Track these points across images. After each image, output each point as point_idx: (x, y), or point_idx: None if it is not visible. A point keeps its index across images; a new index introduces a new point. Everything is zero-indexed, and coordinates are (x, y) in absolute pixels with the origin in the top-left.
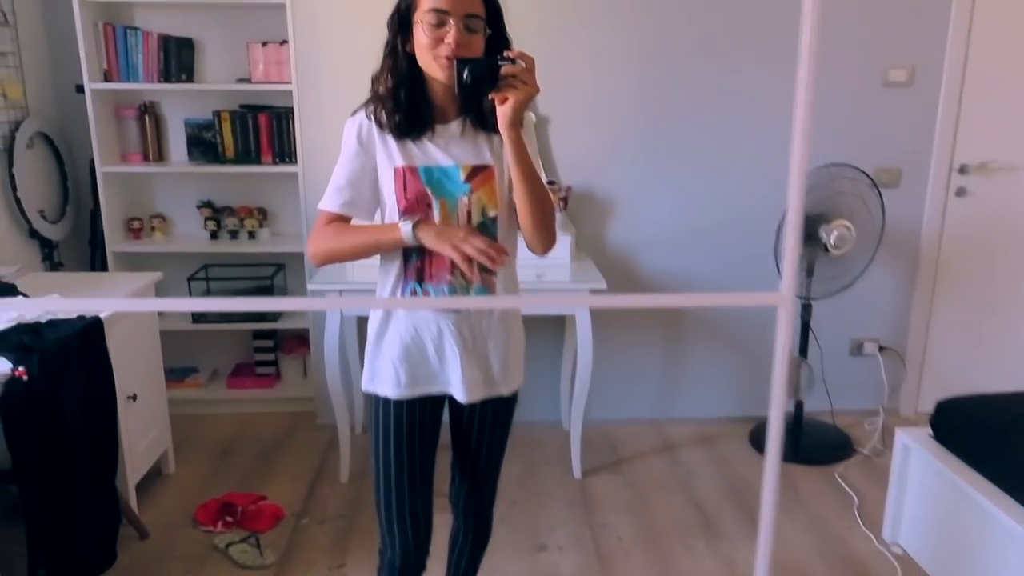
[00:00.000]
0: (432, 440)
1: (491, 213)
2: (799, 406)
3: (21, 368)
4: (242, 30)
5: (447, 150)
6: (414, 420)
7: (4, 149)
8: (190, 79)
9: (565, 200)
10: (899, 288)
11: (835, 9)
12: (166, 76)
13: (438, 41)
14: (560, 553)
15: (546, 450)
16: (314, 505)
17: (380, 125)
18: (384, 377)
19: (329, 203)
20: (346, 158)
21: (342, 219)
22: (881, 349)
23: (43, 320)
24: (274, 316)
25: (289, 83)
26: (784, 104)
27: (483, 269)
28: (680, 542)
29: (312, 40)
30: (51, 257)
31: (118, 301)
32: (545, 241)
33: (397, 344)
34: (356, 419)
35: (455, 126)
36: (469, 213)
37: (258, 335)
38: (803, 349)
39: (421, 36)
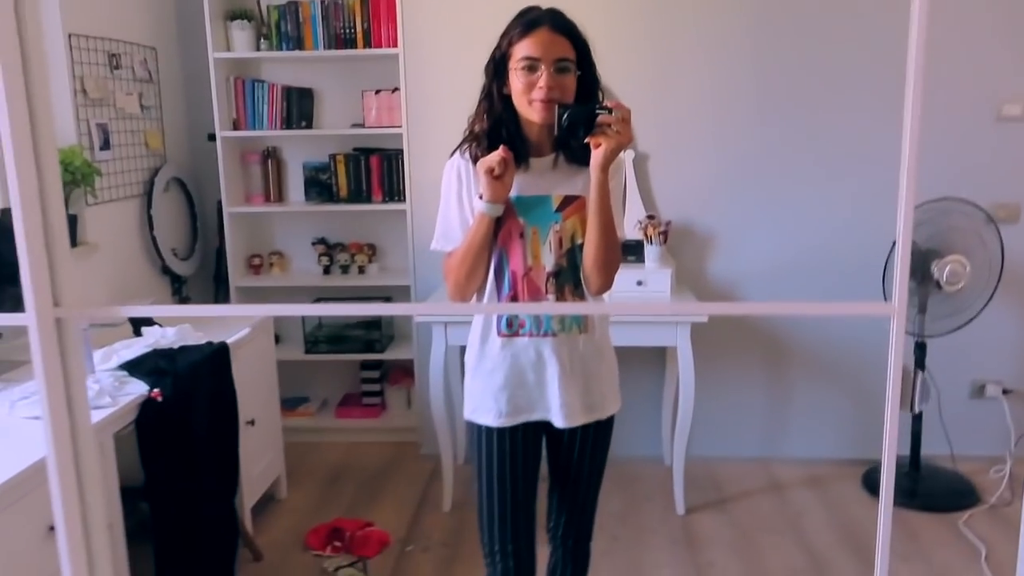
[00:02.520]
0: (533, 466)
1: (580, 240)
2: (915, 449)
3: (156, 390)
4: (357, 79)
5: (540, 181)
6: (516, 448)
7: (144, 193)
8: (309, 125)
9: (665, 234)
10: (1022, 327)
11: (945, 44)
12: (288, 123)
13: (531, 86)
14: None
15: (647, 485)
16: (418, 533)
17: (475, 162)
18: (485, 407)
19: (448, 245)
20: (451, 199)
21: None
22: (1005, 392)
23: (175, 347)
24: (381, 347)
25: (400, 127)
26: (889, 136)
27: (574, 291)
28: None
29: (421, 87)
30: (180, 291)
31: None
32: (601, 281)
33: (495, 373)
34: (459, 449)
35: (549, 160)
36: (560, 240)
37: (365, 366)
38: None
39: (516, 82)
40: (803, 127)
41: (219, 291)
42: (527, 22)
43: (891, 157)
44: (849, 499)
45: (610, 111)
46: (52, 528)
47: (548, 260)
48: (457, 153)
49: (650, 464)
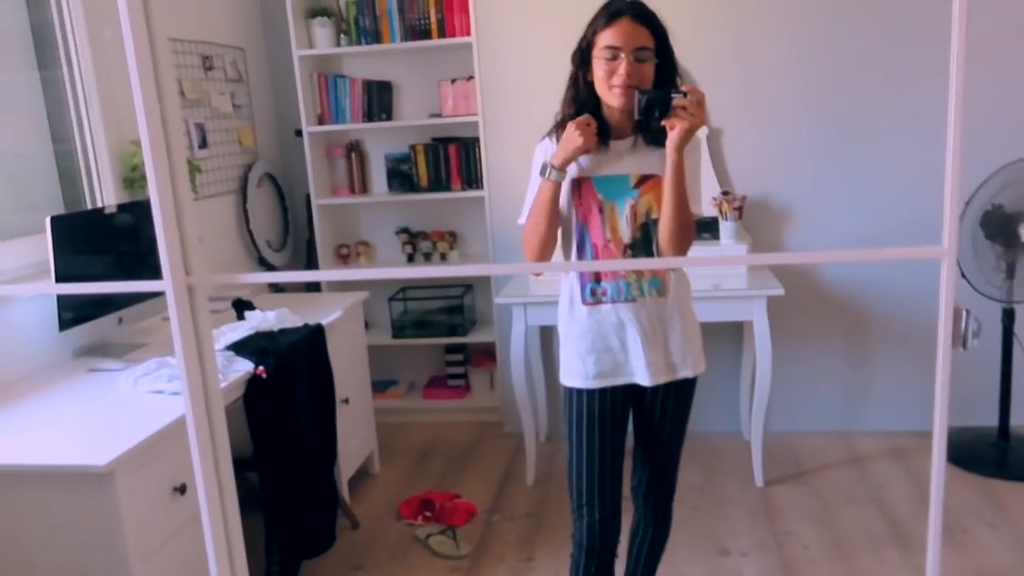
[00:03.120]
0: (620, 427)
1: (654, 215)
2: (1004, 419)
3: (261, 367)
4: (433, 70)
5: (620, 161)
6: (605, 407)
7: (239, 189)
8: (389, 117)
9: (740, 209)
10: None
11: None
12: (369, 116)
13: (612, 73)
14: (743, 558)
15: (726, 460)
16: (504, 504)
17: None
18: (574, 370)
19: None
20: (538, 177)
21: None
22: None
23: (275, 329)
24: (464, 331)
25: (476, 115)
26: (980, 96)
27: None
28: (871, 553)
29: (495, 75)
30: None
31: (340, 273)
32: (675, 254)
33: (583, 340)
34: (540, 427)
35: (628, 142)
36: (636, 214)
37: (450, 350)
38: (1007, 357)
39: (598, 69)
40: (882, 92)
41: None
42: (610, 13)
43: (981, 119)
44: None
45: (685, 95)
46: (177, 489)
47: (625, 233)
48: (547, 137)
49: (729, 439)
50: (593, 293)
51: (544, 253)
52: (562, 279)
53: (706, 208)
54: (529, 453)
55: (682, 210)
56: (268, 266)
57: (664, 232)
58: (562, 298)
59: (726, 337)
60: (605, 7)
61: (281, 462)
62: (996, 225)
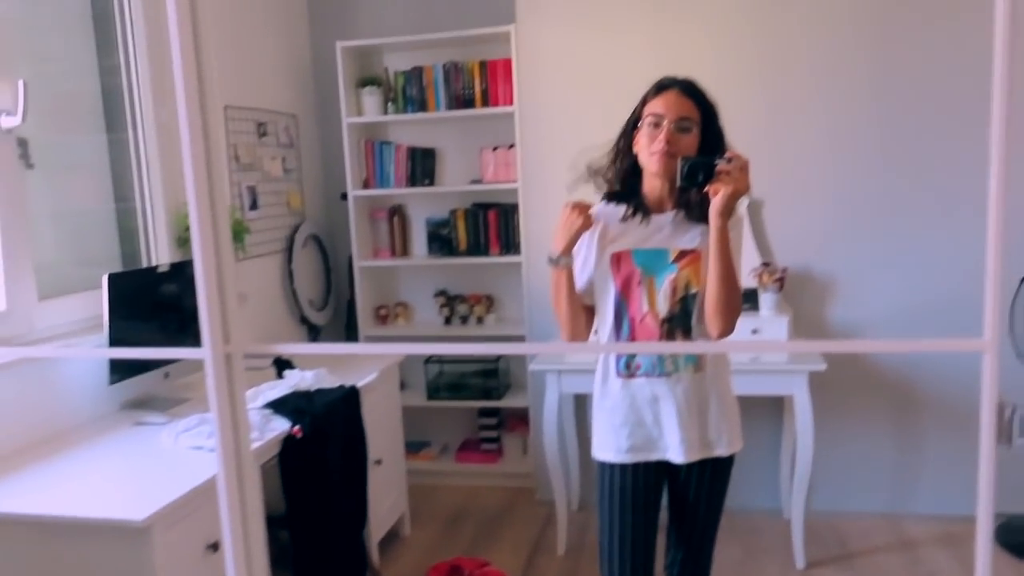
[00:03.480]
0: (654, 504)
1: (692, 290)
2: None
3: (297, 427)
4: (476, 137)
5: (660, 235)
6: (638, 483)
7: (286, 249)
8: (431, 183)
9: (781, 281)
10: None
11: None
12: (412, 181)
13: (653, 139)
14: None
15: (765, 539)
16: (533, 574)
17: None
18: (606, 444)
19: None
20: (583, 238)
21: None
22: None
23: (313, 389)
24: (498, 395)
25: (515, 182)
26: (1018, 169)
27: (685, 335)
28: None
29: (536, 143)
30: (315, 340)
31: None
32: (722, 324)
33: (616, 413)
34: (572, 496)
35: (669, 215)
36: (675, 289)
37: (483, 413)
38: None
39: (642, 136)
40: (923, 166)
41: (350, 339)
42: (660, 85)
43: (1019, 194)
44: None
45: (729, 160)
46: (210, 546)
47: (663, 307)
48: (603, 202)
49: (769, 517)
50: (628, 366)
51: (575, 330)
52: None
53: (745, 280)
54: (560, 522)
55: (729, 278)
56: (310, 324)
57: (711, 301)
58: (598, 369)
59: (766, 411)
60: (658, 82)
61: (312, 522)
62: None
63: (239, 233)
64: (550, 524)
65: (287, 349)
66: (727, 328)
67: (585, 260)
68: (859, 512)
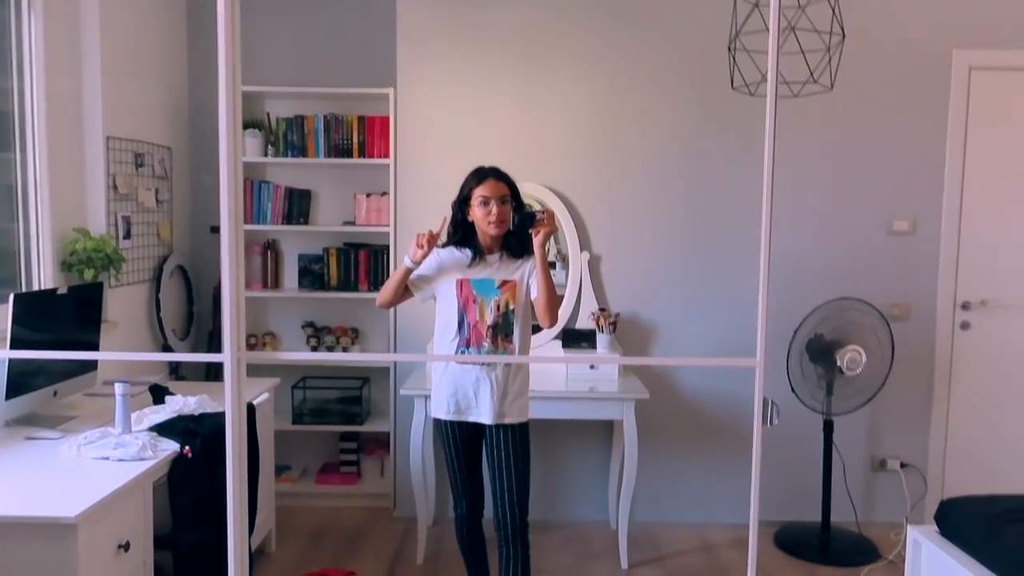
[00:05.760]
0: (476, 448)
1: (512, 307)
2: (826, 514)
3: (187, 448)
4: (351, 184)
5: (489, 270)
6: (464, 434)
7: (153, 279)
8: (306, 222)
9: (614, 324)
10: (916, 410)
11: (841, 169)
12: (288, 219)
13: (487, 213)
14: None
15: (595, 546)
16: None
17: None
18: (441, 407)
19: (416, 280)
20: (433, 259)
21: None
22: (903, 466)
23: (196, 413)
24: (360, 420)
25: (387, 225)
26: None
27: (504, 338)
28: None
29: (409, 192)
30: (177, 369)
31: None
32: (551, 317)
33: (449, 386)
34: (429, 511)
35: (496, 256)
36: (498, 306)
37: (344, 437)
38: (827, 461)
39: (476, 210)
40: (722, 231)
41: (210, 369)
42: (480, 174)
43: (803, 262)
44: (764, 555)
45: (543, 212)
46: (121, 546)
47: (490, 318)
48: (440, 247)
49: (598, 527)
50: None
51: (392, 302)
52: (437, 340)
53: (584, 322)
54: (421, 534)
55: (550, 287)
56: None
57: (540, 303)
58: (436, 350)
59: (598, 435)
60: (475, 172)
61: (201, 539)
62: (817, 350)
63: (115, 262)
64: (408, 537)
65: (289, 356)
66: (553, 320)
67: (426, 270)
68: (672, 522)
